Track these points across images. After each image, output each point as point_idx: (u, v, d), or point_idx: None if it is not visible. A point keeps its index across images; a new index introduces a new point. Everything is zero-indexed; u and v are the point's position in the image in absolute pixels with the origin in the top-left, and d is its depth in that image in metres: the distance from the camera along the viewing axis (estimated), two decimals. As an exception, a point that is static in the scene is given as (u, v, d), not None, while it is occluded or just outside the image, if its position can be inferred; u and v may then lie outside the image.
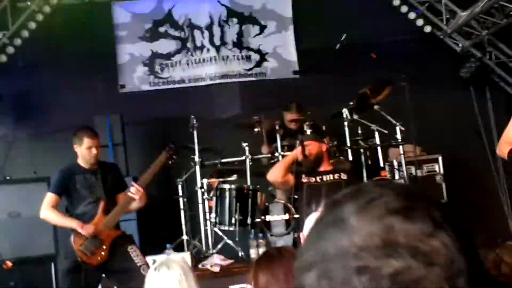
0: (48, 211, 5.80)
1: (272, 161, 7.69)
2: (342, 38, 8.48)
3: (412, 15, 9.43)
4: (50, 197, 5.83)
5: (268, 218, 7.34)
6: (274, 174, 6.72)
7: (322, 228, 0.90)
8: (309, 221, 3.63)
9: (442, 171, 8.46)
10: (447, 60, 9.52)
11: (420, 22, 9.44)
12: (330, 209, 0.91)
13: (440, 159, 8.49)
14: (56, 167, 6.33)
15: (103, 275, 6.00)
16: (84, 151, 5.86)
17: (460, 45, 9.51)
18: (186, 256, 6.89)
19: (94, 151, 5.87)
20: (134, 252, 5.88)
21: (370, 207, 0.87)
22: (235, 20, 9.76)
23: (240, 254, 7.30)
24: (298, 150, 6.63)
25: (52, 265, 7.94)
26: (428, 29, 9.46)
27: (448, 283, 0.82)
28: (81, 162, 5.92)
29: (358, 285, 0.83)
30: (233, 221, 7.32)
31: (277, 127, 7.53)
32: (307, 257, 0.90)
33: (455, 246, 0.85)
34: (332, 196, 0.94)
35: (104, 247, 5.79)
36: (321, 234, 0.90)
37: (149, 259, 6.61)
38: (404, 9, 9.43)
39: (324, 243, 0.88)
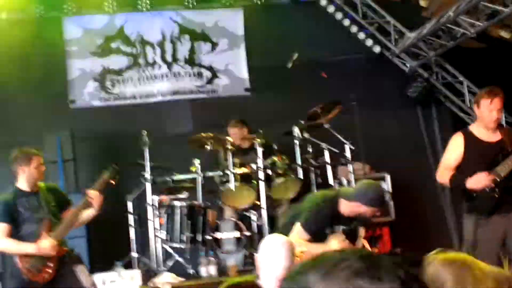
0: (3, 241, 5.64)
1: (224, 179, 7.70)
2: (294, 58, 8.59)
3: (361, 35, 9.64)
4: (1, 227, 5.59)
5: (218, 235, 7.37)
6: None
7: None
8: (265, 242, 3.66)
9: (390, 190, 8.61)
10: (395, 80, 9.72)
11: (369, 42, 9.65)
12: (292, 280, 0.88)
13: (388, 177, 8.64)
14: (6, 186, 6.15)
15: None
16: (33, 170, 5.72)
17: (407, 65, 9.73)
18: (136, 273, 6.86)
19: (43, 168, 5.80)
20: (81, 273, 5.78)
21: (335, 271, 0.84)
22: (187, 37, 9.77)
23: (190, 271, 7.29)
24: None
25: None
26: (377, 49, 9.67)
27: None
28: (21, 185, 5.71)
29: None
30: (183, 238, 7.33)
31: (228, 146, 7.54)
32: None
33: None
34: (290, 268, 0.91)
35: (51, 264, 5.68)
36: None
37: (99, 276, 6.56)
38: (354, 29, 9.63)
39: None
